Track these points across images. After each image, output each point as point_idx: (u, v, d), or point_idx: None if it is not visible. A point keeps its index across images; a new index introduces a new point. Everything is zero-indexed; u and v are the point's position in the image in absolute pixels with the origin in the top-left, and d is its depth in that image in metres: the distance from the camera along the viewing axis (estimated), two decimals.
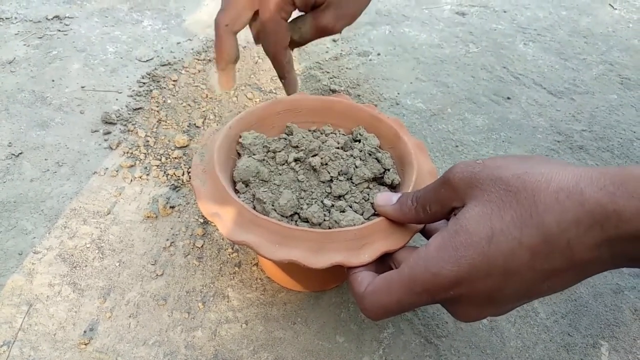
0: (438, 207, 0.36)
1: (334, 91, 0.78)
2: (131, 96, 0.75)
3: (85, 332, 0.47)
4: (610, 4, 1.12)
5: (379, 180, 0.47)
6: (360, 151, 0.48)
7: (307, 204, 0.43)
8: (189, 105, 0.74)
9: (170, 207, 0.59)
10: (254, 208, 0.43)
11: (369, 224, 0.40)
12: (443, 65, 0.88)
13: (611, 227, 0.26)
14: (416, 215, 0.38)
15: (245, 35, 0.90)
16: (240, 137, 0.48)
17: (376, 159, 0.47)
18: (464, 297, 0.32)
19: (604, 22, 1.05)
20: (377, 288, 0.35)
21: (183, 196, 0.60)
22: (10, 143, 0.65)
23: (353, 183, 0.45)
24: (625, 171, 0.26)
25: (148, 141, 0.67)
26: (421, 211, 0.37)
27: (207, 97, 0.75)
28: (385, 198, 0.41)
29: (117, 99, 0.74)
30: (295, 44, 0.53)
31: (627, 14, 1.09)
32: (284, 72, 0.53)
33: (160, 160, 0.65)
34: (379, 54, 0.90)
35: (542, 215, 0.28)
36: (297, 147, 0.48)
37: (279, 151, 0.48)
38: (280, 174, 0.46)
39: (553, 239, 0.28)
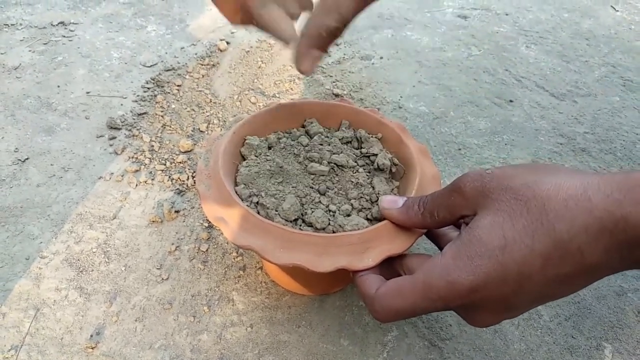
0: (447, 213, 0.36)
1: (336, 95, 0.78)
2: (136, 101, 0.75)
3: (91, 336, 0.48)
4: (612, 6, 1.13)
5: (371, 165, 0.49)
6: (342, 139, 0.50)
7: (311, 209, 0.43)
8: (193, 110, 0.74)
9: (175, 211, 0.59)
10: (258, 213, 0.43)
11: (372, 228, 0.40)
12: (445, 68, 0.89)
13: (619, 232, 0.27)
14: (422, 220, 0.38)
15: (248, 41, 0.90)
16: (244, 141, 0.49)
17: (362, 147, 0.50)
18: (479, 304, 0.33)
19: (605, 24, 1.05)
20: (389, 291, 0.35)
21: (188, 200, 0.61)
22: (16, 149, 0.66)
23: (354, 183, 0.46)
24: (631, 178, 0.27)
25: (153, 146, 0.67)
26: (428, 217, 0.38)
27: (211, 101, 0.76)
28: (390, 201, 0.41)
29: (121, 104, 0.75)
30: (338, 31, 0.39)
31: (629, 15, 1.09)
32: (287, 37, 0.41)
33: (165, 164, 0.65)
34: (381, 58, 0.90)
35: (553, 223, 0.29)
36: (298, 155, 0.48)
37: (283, 156, 0.48)
38: (285, 179, 0.46)
39: (564, 245, 0.28)
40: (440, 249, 0.41)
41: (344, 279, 0.51)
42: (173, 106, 0.75)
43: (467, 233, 0.33)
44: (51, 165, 0.64)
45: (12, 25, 0.90)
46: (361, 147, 0.50)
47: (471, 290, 0.32)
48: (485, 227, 0.32)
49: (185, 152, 0.67)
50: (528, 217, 0.30)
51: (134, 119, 0.72)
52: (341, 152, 0.48)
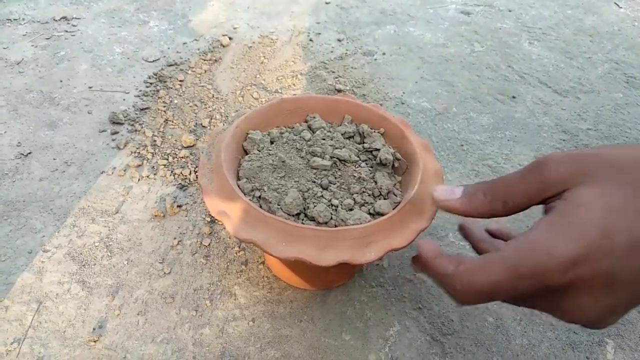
0: (524, 199, 0.33)
1: (339, 91, 0.78)
2: (138, 96, 0.75)
3: (94, 329, 0.48)
4: (615, 3, 1.12)
5: (374, 160, 0.49)
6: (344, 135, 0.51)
7: (314, 203, 0.43)
8: (195, 105, 0.74)
9: (178, 206, 0.59)
10: (260, 207, 0.43)
11: (374, 222, 0.40)
12: (448, 64, 0.88)
13: None
14: (490, 209, 0.35)
15: (250, 36, 0.90)
16: (247, 135, 0.49)
17: (364, 142, 0.50)
18: (581, 283, 0.29)
19: (609, 21, 1.05)
20: (472, 267, 0.32)
21: (190, 195, 0.61)
22: (19, 143, 0.66)
23: (357, 178, 0.46)
24: None
25: (155, 141, 0.67)
26: (499, 205, 0.35)
27: (213, 97, 0.76)
28: (446, 192, 0.38)
29: (124, 99, 0.75)
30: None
31: (633, 12, 1.09)
32: None
33: (167, 159, 0.65)
34: (384, 54, 0.90)
35: None
36: (301, 149, 0.48)
37: (286, 150, 0.48)
38: (287, 173, 0.46)
39: None
40: (480, 254, 0.39)
41: (346, 273, 0.51)
42: (175, 101, 0.75)
43: (562, 204, 0.30)
44: (54, 159, 0.64)
45: (14, 20, 0.90)
46: (364, 142, 0.50)
47: (573, 262, 0.28)
48: (585, 195, 0.29)
49: (188, 147, 0.67)
50: (635, 183, 0.28)
51: (136, 113, 0.72)
52: (344, 147, 0.48)
